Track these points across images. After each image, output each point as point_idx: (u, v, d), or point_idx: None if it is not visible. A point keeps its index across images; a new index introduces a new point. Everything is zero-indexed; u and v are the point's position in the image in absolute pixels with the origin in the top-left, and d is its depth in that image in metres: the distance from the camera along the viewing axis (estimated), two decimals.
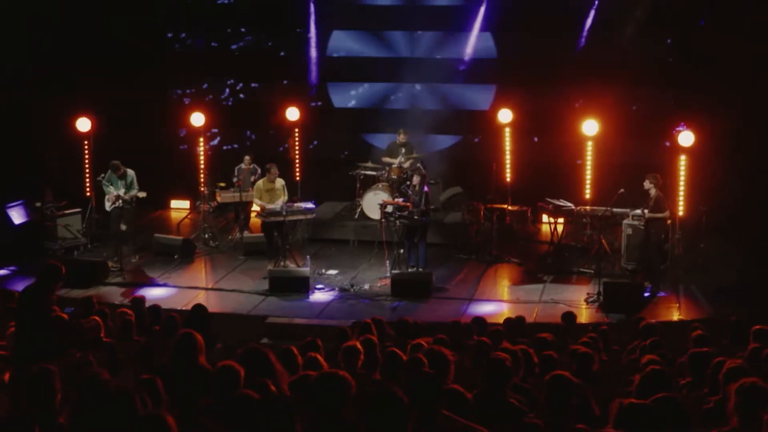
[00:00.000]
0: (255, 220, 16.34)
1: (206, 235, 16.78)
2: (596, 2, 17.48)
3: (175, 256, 15.86)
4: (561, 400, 4.68)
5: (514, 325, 10.70)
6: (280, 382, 5.39)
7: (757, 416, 4.28)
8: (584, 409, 4.53)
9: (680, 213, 15.14)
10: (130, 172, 15.33)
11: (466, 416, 4.41)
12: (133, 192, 15.28)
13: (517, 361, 6.54)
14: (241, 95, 19.62)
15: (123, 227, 15.37)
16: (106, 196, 15.32)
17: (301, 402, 4.18)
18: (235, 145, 19.39)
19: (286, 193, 15.30)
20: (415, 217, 14.41)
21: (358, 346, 7.48)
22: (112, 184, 15.29)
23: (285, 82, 19.10)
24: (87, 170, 17.01)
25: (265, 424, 3.98)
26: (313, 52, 18.93)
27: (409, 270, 14.55)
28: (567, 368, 6.97)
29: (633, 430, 3.48)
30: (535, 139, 18.28)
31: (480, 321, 10.86)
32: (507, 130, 17.40)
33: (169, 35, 19.60)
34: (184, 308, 12.57)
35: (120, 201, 15.17)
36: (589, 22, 17.54)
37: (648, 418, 3.49)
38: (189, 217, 18.28)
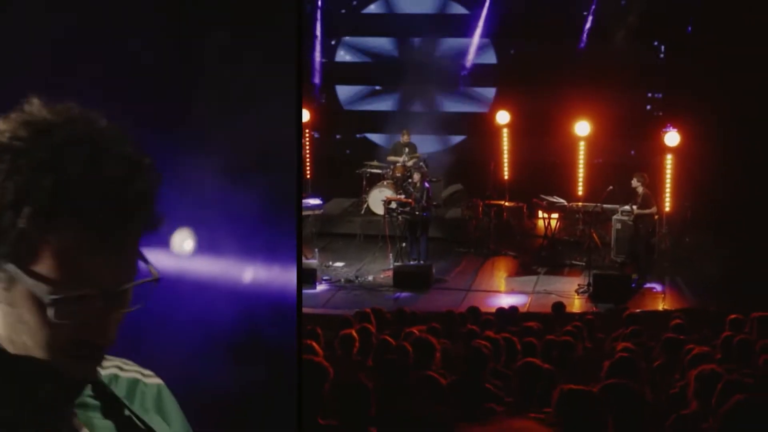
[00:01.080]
0: None
1: None
2: (593, 8, 17.41)
3: None
4: (529, 385, 4.72)
5: (506, 314, 10.72)
6: None
7: (711, 401, 4.29)
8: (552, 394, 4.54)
9: (667, 209, 15.11)
10: None
11: (440, 400, 4.45)
12: None
13: (498, 348, 6.56)
14: None
15: None
16: None
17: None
18: None
19: None
20: (417, 213, 14.44)
21: (354, 334, 7.52)
22: None
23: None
24: None
25: None
26: (320, 57, 18.96)
27: (411, 262, 14.58)
28: (548, 355, 6.99)
29: (572, 415, 3.47)
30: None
31: (474, 310, 10.87)
32: (505, 131, 17.38)
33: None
34: None
35: None
36: (586, 28, 17.47)
37: (587, 405, 3.48)
38: None
